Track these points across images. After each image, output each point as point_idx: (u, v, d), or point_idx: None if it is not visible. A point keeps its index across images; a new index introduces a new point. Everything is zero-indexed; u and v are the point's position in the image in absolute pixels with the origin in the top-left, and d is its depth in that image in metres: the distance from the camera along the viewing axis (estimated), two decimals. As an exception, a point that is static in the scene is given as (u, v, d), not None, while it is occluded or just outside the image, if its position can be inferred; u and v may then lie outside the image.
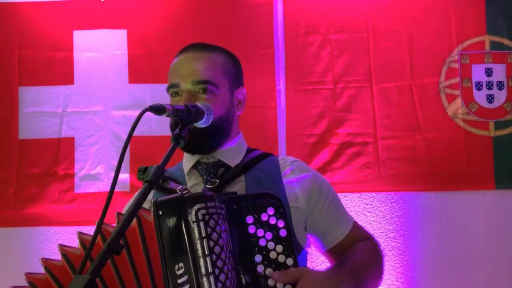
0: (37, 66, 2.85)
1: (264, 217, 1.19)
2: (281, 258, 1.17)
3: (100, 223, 0.96)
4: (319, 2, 2.85)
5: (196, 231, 1.07)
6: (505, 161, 2.72)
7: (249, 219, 1.19)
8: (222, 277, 1.06)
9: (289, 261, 1.17)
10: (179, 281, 1.06)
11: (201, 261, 1.06)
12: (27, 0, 2.86)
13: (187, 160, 1.46)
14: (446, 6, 2.79)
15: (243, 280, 1.13)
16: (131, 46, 2.85)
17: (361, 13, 2.83)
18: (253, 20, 2.85)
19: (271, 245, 1.17)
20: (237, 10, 2.86)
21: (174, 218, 1.09)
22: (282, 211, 1.20)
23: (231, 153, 1.44)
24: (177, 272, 1.07)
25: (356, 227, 1.49)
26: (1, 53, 2.86)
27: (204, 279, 1.05)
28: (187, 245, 1.08)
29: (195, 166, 1.43)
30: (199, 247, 1.07)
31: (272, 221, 1.19)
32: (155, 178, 1.02)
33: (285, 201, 1.32)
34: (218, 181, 1.36)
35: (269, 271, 1.16)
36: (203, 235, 1.07)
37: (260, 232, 1.18)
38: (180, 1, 2.88)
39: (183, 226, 1.08)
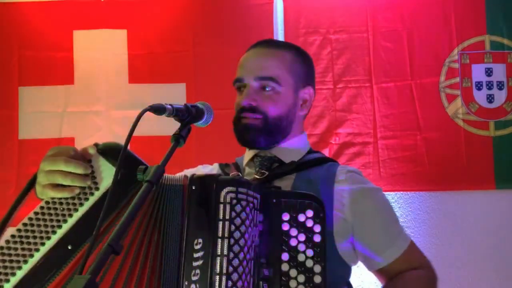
0: (37, 66, 2.85)
1: (301, 218, 1.16)
2: (309, 263, 1.14)
3: (101, 221, 0.96)
4: (319, 2, 2.85)
5: (221, 212, 1.08)
6: (505, 161, 2.72)
7: (285, 215, 1.16)
8: (235, 262, 1.07)
9: (317, 268, 1.14)
10: (195, 255, 1.08)
11: (219, 242, 1.07)
12: (27, 0, 2.86)
13: (247, 152, 1.49)
14: (446, 6, 2.80)
15: (262, 273, 1.12)
16: (131, 46, 2.85)
17: (361, 13, 2.83)
18: (253, 20, 2.85)
19: (301, 247, 1.15)
20: (237, 10, 2.86)
21: (204, 195, 1.11)
22: (322, 217, 1.16)
23: (288, 151, 1.44)
24: (195, 246, 1.09)
25: (411, 251, 1.40)
26: (1, 53, 2.86)
27: (218, 259, 1.06)
28: (209, 223, 1.09)
29: (253, 158, 1.45)
30: (220, 228, 1.08)
31: (309, 223, 1.16)
32: (155, 178, 1.02)
33: (330, 207, 1.30)
34: (267, 173, 1.37)
35: (293, 272, 1.14)
36: (227, 217, 1.08)
37: (293, 232, 1.16)
38: (180, 1, 2.88)
39: (210, 204, 1.10)
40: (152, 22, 2.86)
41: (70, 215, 1.13)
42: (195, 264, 1.08)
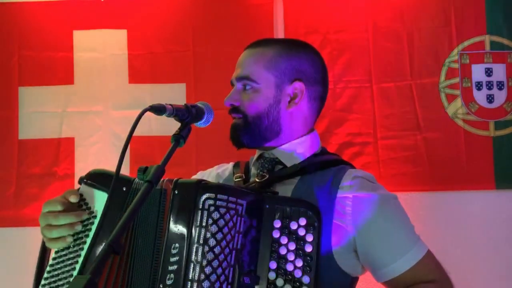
0: (37, 66, 2.84)
1: (293, 226, 1.15)
2: (298, 273, 1.13)
3: (101, 222, 0.96)
4: (319, 2, 2.85)
5: (198, 218, 1.09)
6: (505, 161, 2.72)
7: (277, 223, 1.15)
8: (208, 269, 1.07)
9: (305, 279, 1.12)
10: (171, 259, 1.09)
11: (194, 248, 1.08)
12: (27, 0, 2.86)
13: (256, 153, 1.48)
14: (446, 6, 2.79)
15: (242, 281, 1.11)
16: (131, 46, 2.85)
17: (361, 13, 2.82)
18: (253, 20, 2.85)
19: (290, 256, 1.14)
20: (237, 10, 2.86)
21: (185, 201, 1.12)
22: (316, 226, 1.14)
23: (289, 152, 1.41)
24: (172, 250, 1.10)
25: (425, 263, 1.29)
26: (1, 53, 2.85)
27: (191, 266, 1.07)
28: (186, 229, 1.10)
29: (258, 159, 1.45)
30: (196, 234, 1.08)
31: (301, 232, 1.15)
32: (155, 178, 1.02)
33: (329, 215, 1.25)
34: (267, 176, 1.35)
35: (280, 281, 1.13)
36: (203, 224, 1.09)
37: (284, 240, 1.14)
38: (180, 1, 2.88)
39: (189, 210, 1.10)
40: (152, 22, 2.86)
41: (82, 249, 1.18)
42: (170, 268, 1.09)
